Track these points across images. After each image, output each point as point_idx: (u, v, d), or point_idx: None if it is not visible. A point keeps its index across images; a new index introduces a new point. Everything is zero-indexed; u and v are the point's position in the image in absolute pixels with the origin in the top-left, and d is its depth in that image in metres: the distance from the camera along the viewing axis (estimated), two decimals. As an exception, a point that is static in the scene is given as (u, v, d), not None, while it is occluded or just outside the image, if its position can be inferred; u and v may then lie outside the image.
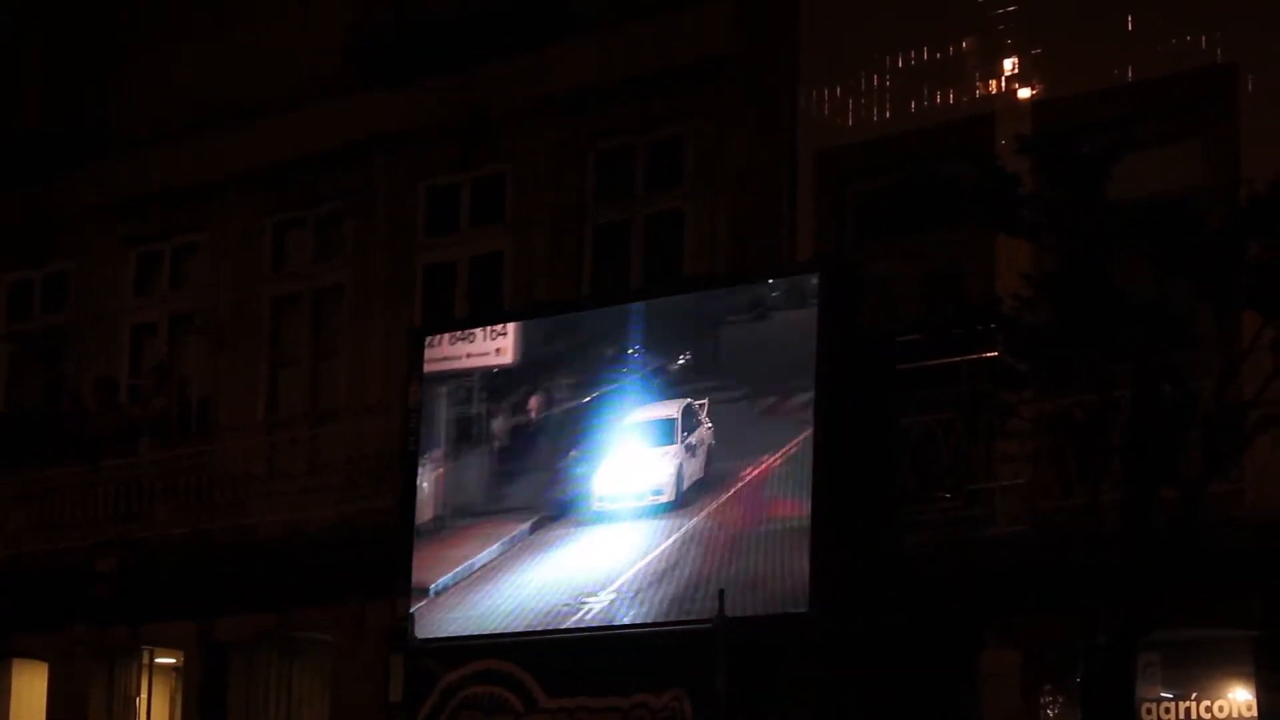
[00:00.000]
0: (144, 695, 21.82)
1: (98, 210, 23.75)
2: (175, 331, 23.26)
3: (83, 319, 24.00)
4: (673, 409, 17.08)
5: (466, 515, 17.63)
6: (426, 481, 17.69)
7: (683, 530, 16.67)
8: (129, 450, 21.80)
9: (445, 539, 17.66)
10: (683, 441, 16.91)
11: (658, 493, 16.96)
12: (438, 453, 17.73)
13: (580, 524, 17.19)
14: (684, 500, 16.75)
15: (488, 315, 19.65)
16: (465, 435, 17.62)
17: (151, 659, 21.88)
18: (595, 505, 17.16)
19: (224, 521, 20.73)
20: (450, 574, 17.42)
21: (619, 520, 17.00)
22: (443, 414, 17.81)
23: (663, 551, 16.70)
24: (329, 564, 19.54)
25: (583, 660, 16.92)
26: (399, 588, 18.10)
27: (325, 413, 21.40)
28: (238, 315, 22.53)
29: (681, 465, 16.86)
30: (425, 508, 17.72)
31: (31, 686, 23.18)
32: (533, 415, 17.38)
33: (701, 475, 16.77)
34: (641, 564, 16.75)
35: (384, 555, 18.25)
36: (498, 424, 17.56)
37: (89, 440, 21.98)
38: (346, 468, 20.08)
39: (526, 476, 17.43)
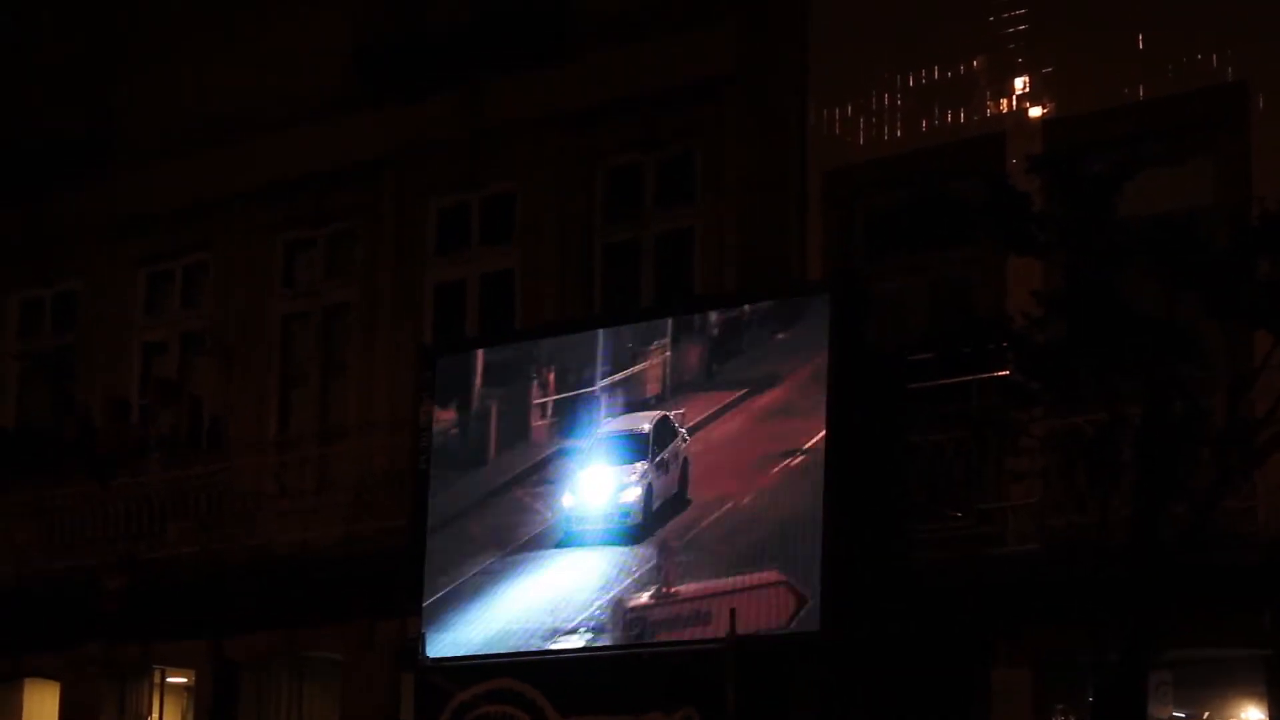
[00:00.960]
0: (155, 714, 21.78)
1: (107, 229, 23.73)
2: (186, 350, 23.27)
3: (93, 337, 23.98)
4: (645, 422, 17.08)
5: (686, 390, 17.28)
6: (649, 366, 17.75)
7: (654, 553, 16.71)
8: (139, 468, 21.79)
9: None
10: (654, 458, 16.91)
11: (625, 515, 16.99)
12: (664, 340, 17.63)
13: (557, 545, 17.39)
14: (654, 520, 16.77)
15: (498, 333, 19.70)
16: (686, 329, 17.53)
17: (163, 678, 21.86)
18: (565, 525, 17.35)
19: (234, 540, 20.70)
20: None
21: (588, 544, 17.15)
22: None
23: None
24: (339, 582, 19.53)
25: (594, 680, 16.94)
26: (409, 606, 18.14)
27: (335, 431, 21.38)
28: (247, 333, 22.54)
29: (651, 485, 16.87)
30: (652, 384, 17.63)
31: (43, 706, 23.16)
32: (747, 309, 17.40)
33: (676, 491, 16.77)
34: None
35: (393, 574, 18.28)
36: (714, 316, 17.56)
37: (99, 459, 21.97)
38: (356, 486, 20.10)
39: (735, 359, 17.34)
